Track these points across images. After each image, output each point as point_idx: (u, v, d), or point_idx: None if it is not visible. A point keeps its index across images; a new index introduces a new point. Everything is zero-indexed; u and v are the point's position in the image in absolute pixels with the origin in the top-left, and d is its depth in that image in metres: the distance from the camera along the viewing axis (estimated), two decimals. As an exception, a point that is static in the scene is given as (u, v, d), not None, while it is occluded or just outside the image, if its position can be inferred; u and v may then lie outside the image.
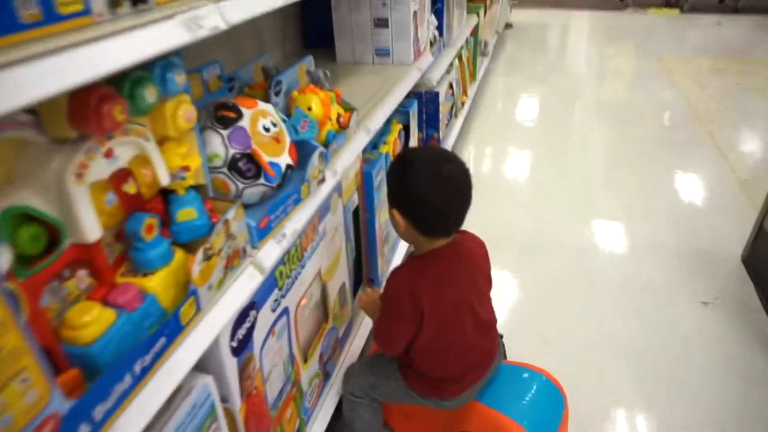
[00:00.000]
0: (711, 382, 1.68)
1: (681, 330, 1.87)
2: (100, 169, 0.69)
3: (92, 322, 0.66)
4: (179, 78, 0.76)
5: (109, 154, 0.70)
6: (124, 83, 0.69)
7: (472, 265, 1.23)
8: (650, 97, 4.17)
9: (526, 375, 1.44)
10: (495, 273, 2.25)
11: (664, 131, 3.52)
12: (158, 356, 0.72)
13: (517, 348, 1.85)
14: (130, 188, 0.72)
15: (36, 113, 0.64)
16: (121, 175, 0.72)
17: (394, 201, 1.15)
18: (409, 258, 1.23)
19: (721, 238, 2.35)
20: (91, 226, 0.67)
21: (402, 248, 2.01)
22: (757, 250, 2.08)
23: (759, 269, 2.05)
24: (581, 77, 4.82)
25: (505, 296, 2.09)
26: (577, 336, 1.88)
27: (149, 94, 0.71)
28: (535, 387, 1.40)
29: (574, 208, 2.69)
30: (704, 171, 2.97)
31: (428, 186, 1.09)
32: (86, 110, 0.63)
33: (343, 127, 1.28)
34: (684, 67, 4.72)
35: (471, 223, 2.64)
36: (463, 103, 3.21)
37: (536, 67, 5.11)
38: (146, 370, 0.70)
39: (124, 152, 0.72)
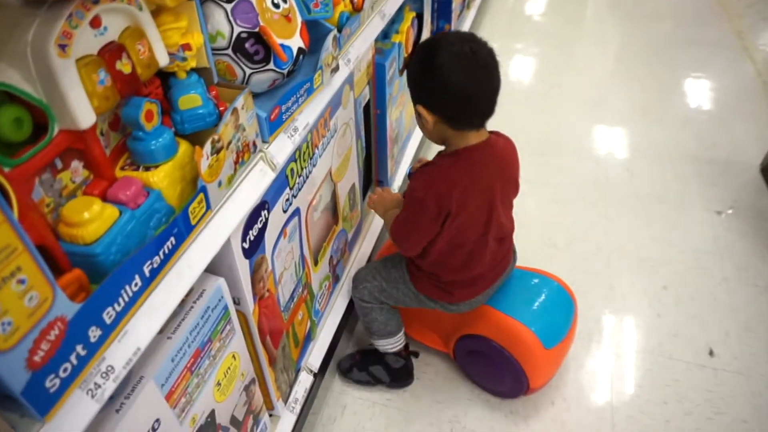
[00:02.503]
0: (720, 291, 1.67)
1: (694, 239, 1.85)
2: (88, 41, 0.58)
3: (93, 218, 0.59)
4: (174, -69, 0.63)
5: (96, 24, 0.59)
6: (106, -68, 0.57)
7: (503, 169, 1.14)
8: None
9: (536, 280, 1.42)
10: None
11: (686, 28, 3.29)
12: (168, 257, 0.66)
13: (525, 251, 1.82)
14: (124, 67, 0.62)
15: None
16: (113, 51, 0.61)
17: (420, 94, 1.05)
18: (438, 157, 1.13)
19: (741, 145, 2.26)
20: (82, 109, 0.57)
21: (411, 149, 1.92)
22: (778, 158, 2.00)
23: (778, 178, 1.99)
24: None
25: (516, 203, 2.03)
26: (586, 242, 1.85)
27: (139, -52, 0.59)
28: (545, 292, 1.39)
29: (587, 110, 2.57)
30: (728, 73, 2.81)
31: (454, 67, 0.99)
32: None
33: (357, 8, 1.13)
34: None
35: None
36: (476, -7, 2.96)
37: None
38: (156, 272, 0.64)
39: (113, 22, 0.61)
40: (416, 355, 1.47)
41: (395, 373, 1.43)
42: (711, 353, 1.51)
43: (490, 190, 1.13)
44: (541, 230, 1.90)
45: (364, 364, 1.45)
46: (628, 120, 2.48)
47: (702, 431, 1.35)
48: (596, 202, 2.03)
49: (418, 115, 1.07)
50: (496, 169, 1.13)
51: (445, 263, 1.21)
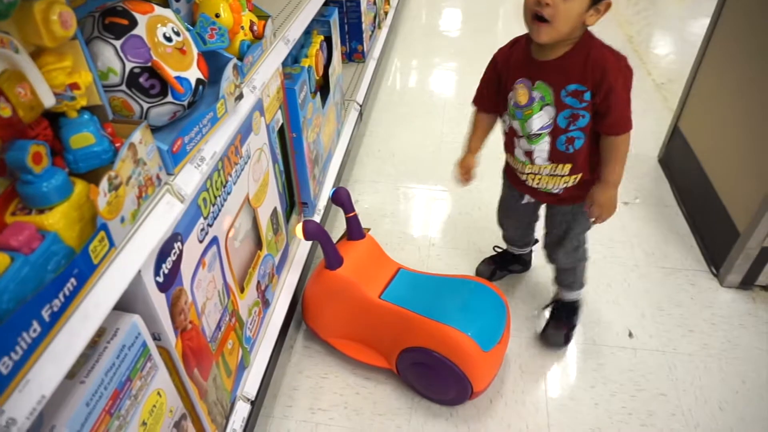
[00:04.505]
0: (633, 276, 1.80)
1: (607, 230, 1.97)
2: (-40, 87, 0.57)
3: (-20, 268, 0.57)
4: (47, -28, 0.63)
5: (-33, 69, 0.58)
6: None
7: None
8: None
9: (467, 286, 1.47)
10: (429, 189, 2.24)
11: (585, 37, 3.55)
12: (70, 299, 0.64)
13: (452, 258, 1.89)
14: (2, 110, 0.61)
15: None
16: (-10, 95, 0.60)
17: None
18: (593, 42, 1.21)
19: (639, 140, 2.43)
20: (-41, 158, 0.56)
21: (334, 169, 1.95)
22: (672, 149, 2.18)
23: (673, 167, 2.17)
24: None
25: (440, 211, 2.11)
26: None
27: (8, -9, 0.58)
28: (477, 297, 1.43)
29: (502, 118, 2.69)
30: (623, 75, 3.05)
31: None
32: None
33: (257, 36, 1.16)
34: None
35: (402, 138, 2.59)
36: (386, 13, 3.06)
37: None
38: (57, 315, 0.63)
39: (-12, 67, 0.60)
40: None
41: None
42: (630, 335, 1.62)
43: None
44: (467, 236, 1.97)
45: (570, 329, 1.59)
46: (540, 124, 2.63)
47: (627, 408, 1.43)
48: (516, 204, 2.13)
49: (595, 12, 1.12)
50: None
51: None
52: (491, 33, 3.72)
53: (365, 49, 2.44)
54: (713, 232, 1.84)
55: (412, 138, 2.48)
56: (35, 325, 0.59)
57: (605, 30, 3.58)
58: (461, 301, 1.41)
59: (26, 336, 0.58)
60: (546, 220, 1.54)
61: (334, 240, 1.47)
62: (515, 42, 1.31)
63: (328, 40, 1.81)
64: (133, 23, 0.81)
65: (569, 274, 1.56)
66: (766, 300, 1.71)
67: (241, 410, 1.22)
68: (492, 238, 1.95)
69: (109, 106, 0.79)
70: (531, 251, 1.80)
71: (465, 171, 1.50)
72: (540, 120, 1.25)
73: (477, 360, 1.32)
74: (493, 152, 2.43)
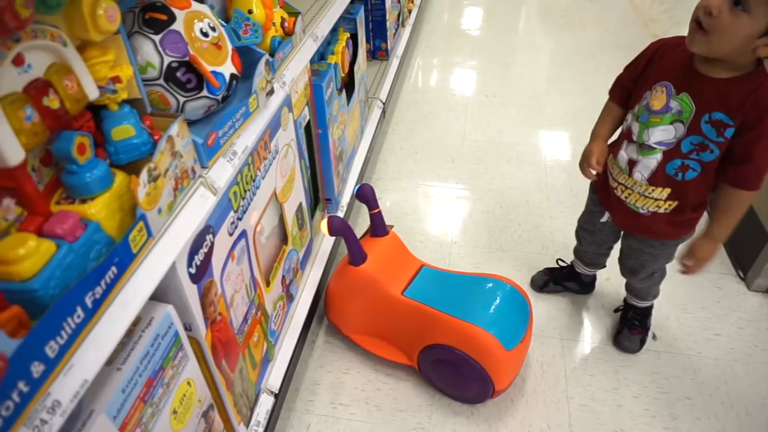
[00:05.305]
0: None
1: (629, 229, 1.95)
2: (11, 79, 0.59)
3: (29, 254, 0.59)
4: (94, -32, 0.64)
5: (19, 62, 0.59)
6: (25, -28, 0.58)
7: None
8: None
9: (490, 285, 1.46)
10: (449, 185, 2.24)
11: (608, 34, 3.51)
12: (111, 287, 0.66)
13: (474, 256, 1.89)
14: (51, 102, 0.63)
15: None
16: (39, 87, 0.61)
17: None
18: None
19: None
20: (10, 147, 0.57)
21: (357, 166, 1.96)
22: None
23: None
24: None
25: (461, 209, 2.10)
26: (532, 247, 1.93)
27: (59, -14, 0.60)
28: (500, 295, 1.43)
29: (523, 117, 2.68)
30: (648, 75, 3.01)
31: None
32: (-19, 5, 0.52)
33: (288, 33, 1.17)
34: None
35: (424, 136, 2.59)
36: (409, 11, 3.06)
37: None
38: (99, 302, 0.64)
39: (37, 59, 0.62)
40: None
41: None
42: (654, 337, 1.60)
43: None
44: (488, 235, 1.97)
45: (645, 333, 1.59)
46: (562, 124, 2.61)
47: (650, 411, 1.42)
48: (539, 203, 2.12)
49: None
50: None
51: None
52: (513, 32, 3.70)
53: (389, 47, 2.45)
54: (741, 235, 1.80)
55: (433, 136, 2.48)
56: (79, 311, 0.61)
57: (630, 29, 3.57)
58: (484, 299, 1.41)
59: (71, 321, 0.60)
60: (622, 248, 1.48)
61: (358, 236, 1.48)
62: (680, 42, 1.14)
63: (353, 37, 1.81)
64: (172, 18, 0.82)
65: (642, 290, 1.54)
66: (794, 305, 1.68)
67: (265, 403, 1.24)
68: (513, 237, 1.95)
69: (147, 99, 0.81)
70: (595, 275, 1.72)
71: (590, 157, 1.32)
72: (663, 134, 1.15)
73: (499, 358, 1.32)
74: (512, 152, 2.44)
